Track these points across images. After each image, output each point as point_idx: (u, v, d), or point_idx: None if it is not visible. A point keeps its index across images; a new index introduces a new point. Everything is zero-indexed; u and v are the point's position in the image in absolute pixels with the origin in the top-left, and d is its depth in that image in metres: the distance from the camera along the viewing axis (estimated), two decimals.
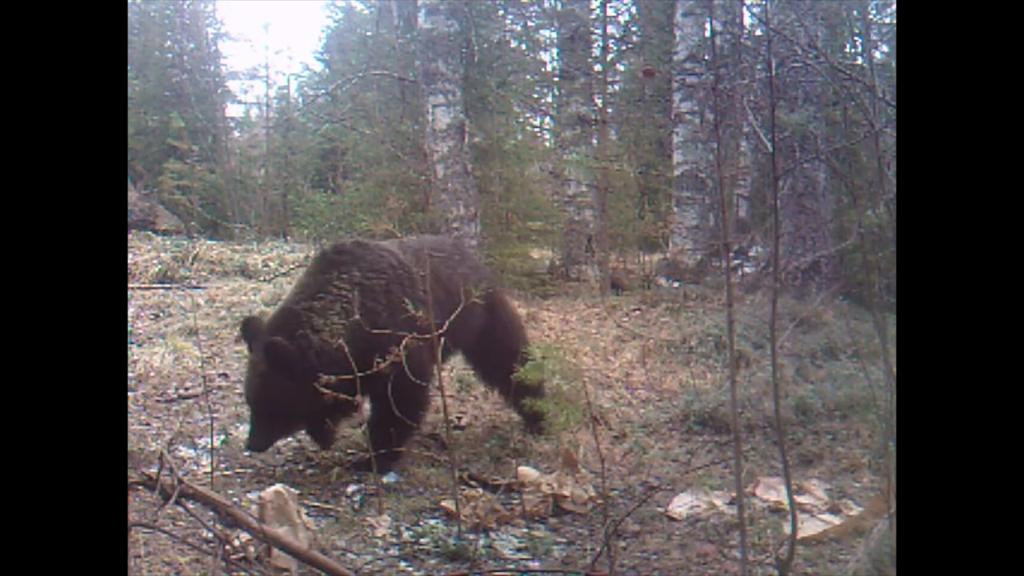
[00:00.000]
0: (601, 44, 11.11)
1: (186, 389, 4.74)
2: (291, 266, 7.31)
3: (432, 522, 3.41)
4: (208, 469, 3.65)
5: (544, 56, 12.31)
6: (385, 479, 3.78)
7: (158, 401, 4.58)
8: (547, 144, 12.04)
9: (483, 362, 4.67)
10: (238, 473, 3.79)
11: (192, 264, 7.44)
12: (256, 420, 3.71)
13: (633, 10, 12.57)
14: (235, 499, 3.20)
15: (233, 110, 12.86)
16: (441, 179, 8.06)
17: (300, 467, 3.96)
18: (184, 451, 3.99)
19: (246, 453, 3.87)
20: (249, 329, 3.81)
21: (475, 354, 4.64)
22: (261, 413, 3.66)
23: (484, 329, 4.38)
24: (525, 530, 3.45)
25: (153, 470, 2.88)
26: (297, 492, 3.12)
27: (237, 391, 4.72)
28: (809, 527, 3.42)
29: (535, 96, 12.12)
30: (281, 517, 2.87)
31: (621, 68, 12.65)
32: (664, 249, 9.44)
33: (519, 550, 3.27)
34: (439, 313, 3.62)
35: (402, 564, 3.06)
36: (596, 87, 10.35)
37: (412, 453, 3.96)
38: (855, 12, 7.93)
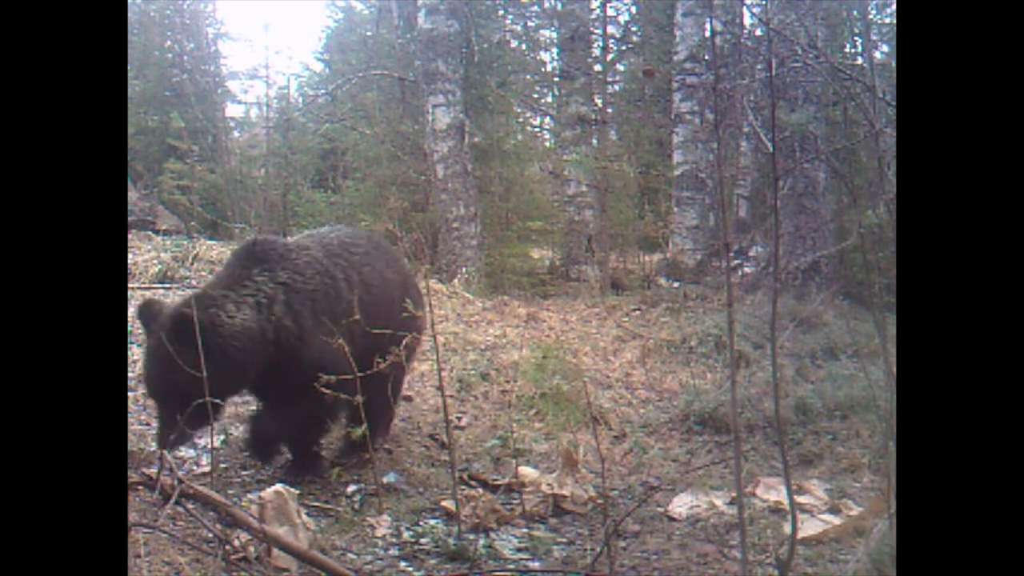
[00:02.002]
0: (601, 44, 11.11)
1: None
2: None
3: (432, 522, 3.41)
4: (208, 469, 3.65)
5: (544, 56, 12.31)
6: (385, 479, 3.78)
7: None
8: (547, 144, 12.04)
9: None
10: (238, 473, 3.79)
11: (192, 264, 7.42)
12: (165, 412, 3.29)
13: (633, 10, 12.57)
14: (235, 499, 3.20)
15: (233, 110, 12.81)
16: (441, 179, 8.06)
17: None
18: (184, 451, 3.98)
19: (162, 450, 3.36)
20: (148, 311, 3.42)
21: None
22: (170, 402, 3.21)
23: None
24: (525, 530, 3.45)
25: (153, 470, 2.88)
26: (297, 492, 3.12)
27: None
28: (809, 527, 3.42)
29: (535, 96, 12.12)
30: (281, 517, 2.87)
31: (621, 68, 12.65)
32: (664, 249, 9.44)
33: (519, 550, 3.27)
34: (365, 318, 3.48)
35: (402, 564, 3.06)
36: (596, 87, 10.36)
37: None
38: (855, 12, 7.92)
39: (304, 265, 3.64)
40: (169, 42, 11.42)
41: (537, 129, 13.31)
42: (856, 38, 9.18)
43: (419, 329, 4.17)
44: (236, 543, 2.72)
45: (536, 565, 3.14)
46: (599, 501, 3.60)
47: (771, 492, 3.83)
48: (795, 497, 2.67)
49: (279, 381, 3.51)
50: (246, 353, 3.35)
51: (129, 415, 4.25)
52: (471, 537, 3.18)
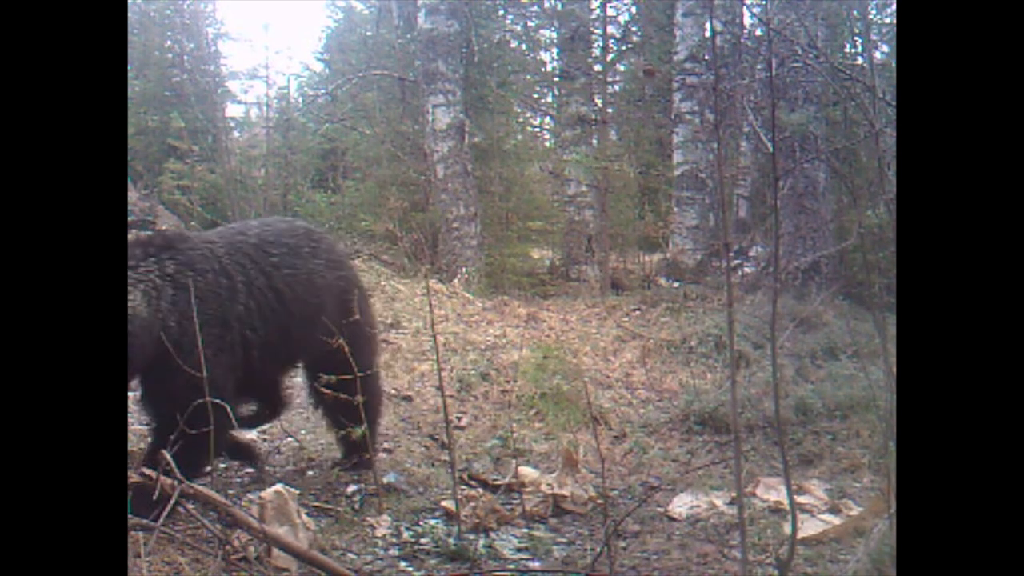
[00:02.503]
0: (601, 44, 11.11)
1: None
2: None
3: (432, 522, 3.41)
4: (208, 469, 3.65)
5: (544, 56, 12.32)
6: (385, 479, 3.78)
7: None
8: (547, 144, 12.04)
9: (315, 370, 3.73)
10: (238, 473, 3.79)
11: None
12: None
13: (633, 10, 12.57)
14: (235, 499, 3.20)
15: (233, 110, 12.82)
16: (441, 179, 8.07)
17: (300, 467, 3.96)
18: None
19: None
20: None
21: (313, 359, 3.77)
22: None
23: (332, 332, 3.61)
24: (525, 530, 3.45)
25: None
26: (297, 492, 3.12)
27: None
28: (809, 527, 3.42)
29: (535, 96, 12.13)
30: (281, 517, 2.87)
31: (621, 68, 12.65)
32: (664, 249, 9.45)
33: (519, 550, 3.27)
34: (272, 326, 3.28)
35: (402, 564, 3.06)
36: (596, 87, 10.36)
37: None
38: (855, 12, 7.93)
39: (198, 259, 3.24)
40: (169, 42, 11.42)
41: (537, 129, 13.33)
42: (856, 38, 9.19)
43: (363, 337, 3.71)
44: (236, 543, 2.72)
45: (536, 565, 3.14)
46: (599, 501, 3.60)
47: (771, 492, 3.83)
48: (795, 497, 2.67)
49: (153, 389, 3.18)
50: (134, 339, 2.96)
51: (129, 415, 4.24)
52: (471, 537, 3.18)
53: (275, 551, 2.72)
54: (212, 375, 3.02)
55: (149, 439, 3.14)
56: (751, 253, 8.93)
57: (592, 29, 10.66)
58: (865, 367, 4.74)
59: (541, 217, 9.17)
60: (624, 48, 12.28)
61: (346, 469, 3.81)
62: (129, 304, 3.06)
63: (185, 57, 11.43)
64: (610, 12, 11.39)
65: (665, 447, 4.71)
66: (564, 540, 3.42)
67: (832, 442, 4.54)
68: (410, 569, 3.03)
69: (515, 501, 3.64)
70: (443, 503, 3.55)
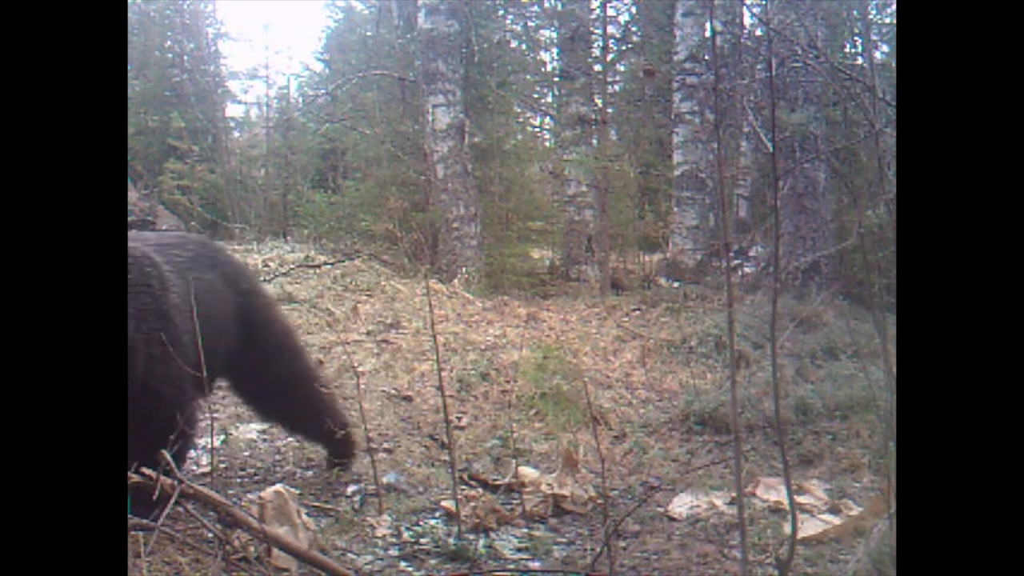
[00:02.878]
0: (601, 44, 11.11)
1: None
2: (291, 266, 7.34)
3: (432, 522, 3.41)
4: (208, 469, 3.65)
5: (544, 56, 12.32)
6: (385, 479, 3.78)
7: None
8: (547, 144, 12.05)
9: (248, 389, 3.79)
10: (238, 473, 3.79)
11: None
12: None
13: (633, 10, 12.57)
14: (235, 499, 3.20)
15: (233, 110, 12.86)
16: (441, 179, 8.07)
17: (300, 467, 3.96)
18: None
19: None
20: None
21: (237, 380, 3.74)
22: None
23: (240, 349, 3.49)
24: (525, 530, 3.45)
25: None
26: (297, 492, 3.12)
27: None
28: (809, 527, 3.42)
29: (535, 96, 12.13)
30: (281, 517, 2.87)
31: (621, 68, 12.65)
32: (664, 249, 9.45)
33: (519, 550, 3.27)
34: (186, 332, 3.02)
35: (402, 564, 3.06)
36: (596, 87, 10.36)
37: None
38: (855, 12, 7.93)
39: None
40: (169, 42, 11.45)
41: (537, 129, 13.34)
42: (856, 38, 9.19)
43: (292, 346, 3.68)
44: (236, 543, 2.72)
45: (536, 565, 3.14)
46: (599, 501, 3.60)
47: (771, 492, 3.83)
48: (795, 497, 2.67)
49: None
50: None
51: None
52: (471, 537, 3.18)
53: (275, 551, 2.72)
54: (166, 372, 2.85)
55: None
56: (751, 253, 8.93)
57: (592, 29, 10.66)
58: (865, 367, 4.74)
59: (541, 217, 9.17)
60: (624, 48, 12.27)
61: (345, 469, 3.82)
62: None
63: (185, 57, 11.45)
64: (610, 12, 11.38)
65: (665, 447, 4.71)
66: (564, 540, 3.42)
67: (832, 442, 4.54)
68: (410, 569, 3.03)
69: (515, 501, 3.64)
70: (443, 503, 3.55)
